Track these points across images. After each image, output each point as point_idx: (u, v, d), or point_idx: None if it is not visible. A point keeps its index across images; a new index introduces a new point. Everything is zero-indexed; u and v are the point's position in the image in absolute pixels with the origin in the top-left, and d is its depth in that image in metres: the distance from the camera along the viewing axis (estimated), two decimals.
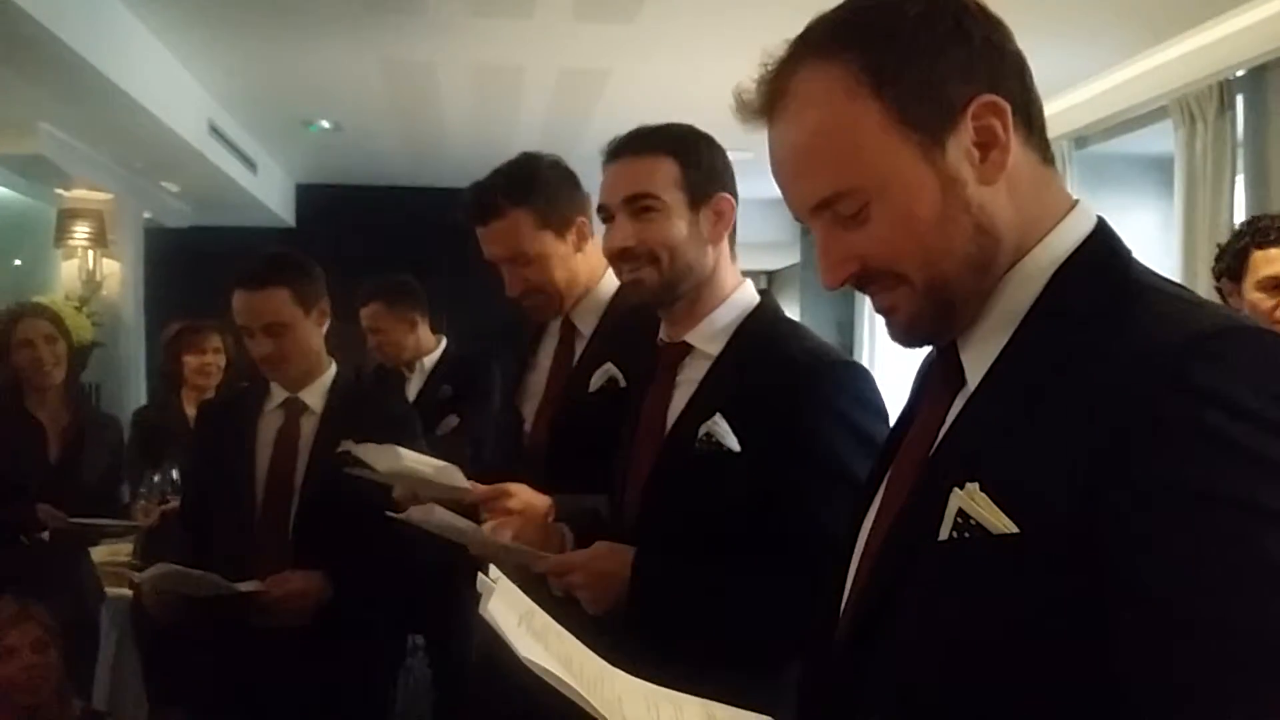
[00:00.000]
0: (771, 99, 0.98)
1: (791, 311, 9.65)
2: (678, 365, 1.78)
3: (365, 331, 4.25)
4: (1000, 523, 0.84)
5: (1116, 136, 5.23)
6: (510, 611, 1.00)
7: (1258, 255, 2.70)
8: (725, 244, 1.79)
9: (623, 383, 2.19)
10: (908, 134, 0.92)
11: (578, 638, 1.09)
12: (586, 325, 2.28)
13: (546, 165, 2.26)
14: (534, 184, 2.20)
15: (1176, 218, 4.57)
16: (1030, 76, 0.96)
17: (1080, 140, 5.37)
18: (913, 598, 0.92)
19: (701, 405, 1.70)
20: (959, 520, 0.87)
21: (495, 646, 0.94)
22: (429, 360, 4.22)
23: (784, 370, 1.65)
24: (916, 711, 0.92)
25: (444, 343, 4.28)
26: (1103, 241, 0.94)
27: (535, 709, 1.10)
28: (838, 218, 0.95)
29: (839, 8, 0.97)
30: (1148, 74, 4.77)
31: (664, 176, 1.74)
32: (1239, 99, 4.29)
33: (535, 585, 1.74)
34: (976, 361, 0.95)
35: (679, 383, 1.77)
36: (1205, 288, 4.28)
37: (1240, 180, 4.28)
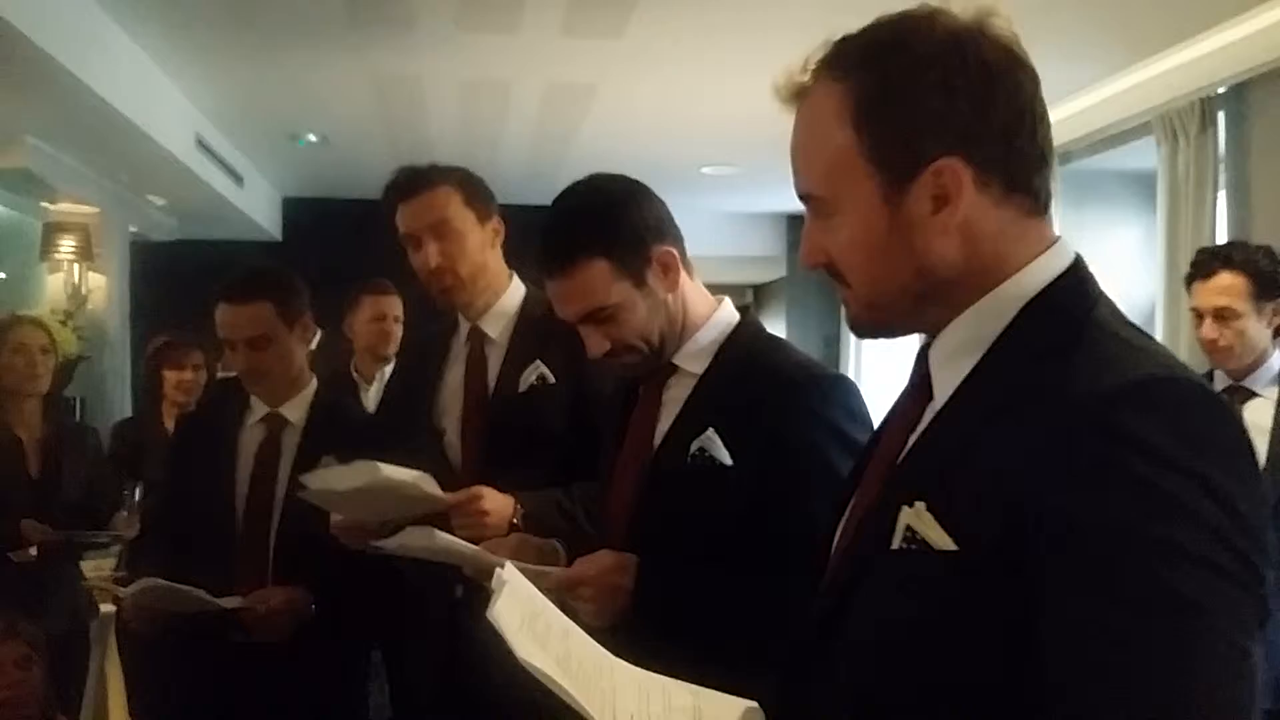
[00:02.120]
0: (795, 96, 1.06)
1: (778, 326, 9.65)
2: (663, 385, 1.78)
3: (374, 321, 4.33)
4: (941, 540, 0.92)
5: (1100, 152, 5.26)
6: (515, 613, 1.03)
7: (1195, 286, 2.93)
8: (684, 280, 1.76)
9: (552, 379, 2.23)
10: (874, 171, 0.98)
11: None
12: (496, 331, 2.35)
13: (468, 170, 2.39)
14: (459, 171, 2.33)
15: (1159, 233, 4.60)
16: (1027, 132, 0.99)
17: (1064, 156, 5.40)
18: (865, 602, 1.00)
19: (691, 421, 1.71)
20: (907, 533, 0.94)
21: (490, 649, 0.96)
22: (387, 370, 4.33)
23: (773, 385, 1.67)
24: (864, 712, 0.98)
25: (393, 361, 4.39)
26: (1073, 282, 0.99)
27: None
28: (816, 212, 1.05)
29: (868, 26, 1.02)
30: (1131, 90, 4.81)
31: (601, 282, 1.68)
32: (1221, 115, 4.33)
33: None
34: (945, 380, 1.01)
35: (665, 401, 1.77)
36: (1188, 302, 4.32)
37: (1222, 196, 4.31)
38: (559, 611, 1.14)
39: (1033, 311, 0.97)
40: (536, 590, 1.14)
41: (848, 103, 0.99)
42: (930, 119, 0.96)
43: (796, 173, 1.06)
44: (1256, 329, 2.83)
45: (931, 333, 1.05)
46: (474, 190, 2.33)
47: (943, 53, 0.97)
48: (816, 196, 1.03)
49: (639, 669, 1.10)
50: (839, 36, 1.03)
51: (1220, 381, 2.90)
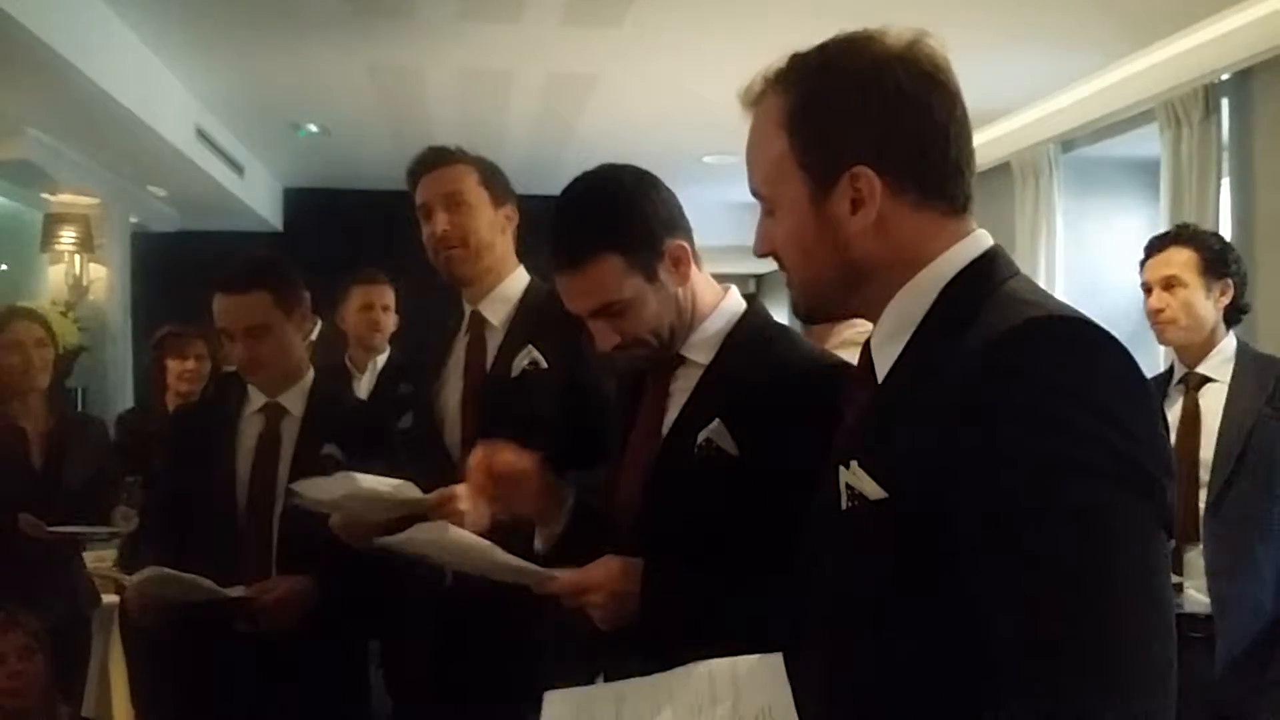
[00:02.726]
0: (752, 104, 1.21)
1: (780, 315, 9.69)
2: (670, 376, 1.78)
3: (363, 311, 4.34)
4: (874, 490, 1.04)
5: (1103, 140, 5.24)
6: None
7: (1146, 264, 2.95)
8: (693, 271, 1.75)
9: (544, 364, 2.23)
10: (802, 175, 1.13)
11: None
12: (497, 316, 2.37)
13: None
14: (486, 159, 2.41)
15: (1162, 221, 4.58)
16: (940, 147, 1.11)
17: (1067, 144, 5.38)
18: (827, 560, 1.13)
19: (698, 412, 1.70)
20: (849, 491, 1.07)
21: None
22: (380, 359, 4.39)
23: (780, 375, 1.66)
24: (834, 664, 1.11)
25: (388, 349, 4.45)
26: (986, 263, 1.12)
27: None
28: (764, 207, 1.20)
29: (817, 45, 1.16)
30: (1134, 78, 4.79)
31: (613, 277, 1.67)
32: (1224, 102, 4.31)
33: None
34: (882, 363, 1.14)
35: (672, 392, 1.76)
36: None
37: (1226, 183, 4.30)
38: (606, 694, 1.24)
39: (951, 291, 1.10)
40: (576, 698, 1.22)
41: (785, 113, 1.14)
42: (847, 132, 1.11)
43: (748, 170, 1.21)
44: (1204, 305, 2.82)
45: (864, 316, 1.19)
46: (492, 175, 2.41)
47: (863, 77, 1.11)
48: (759, 194, 1.19)
49: (692, 669, 1.23)
50: (792, 53, 1.17)
51: (1178, 372, 2.90)
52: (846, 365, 1.74)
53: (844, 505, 1.08)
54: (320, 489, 2.04)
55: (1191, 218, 4.32)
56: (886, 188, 1.10)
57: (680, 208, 1.77)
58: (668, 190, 1.76)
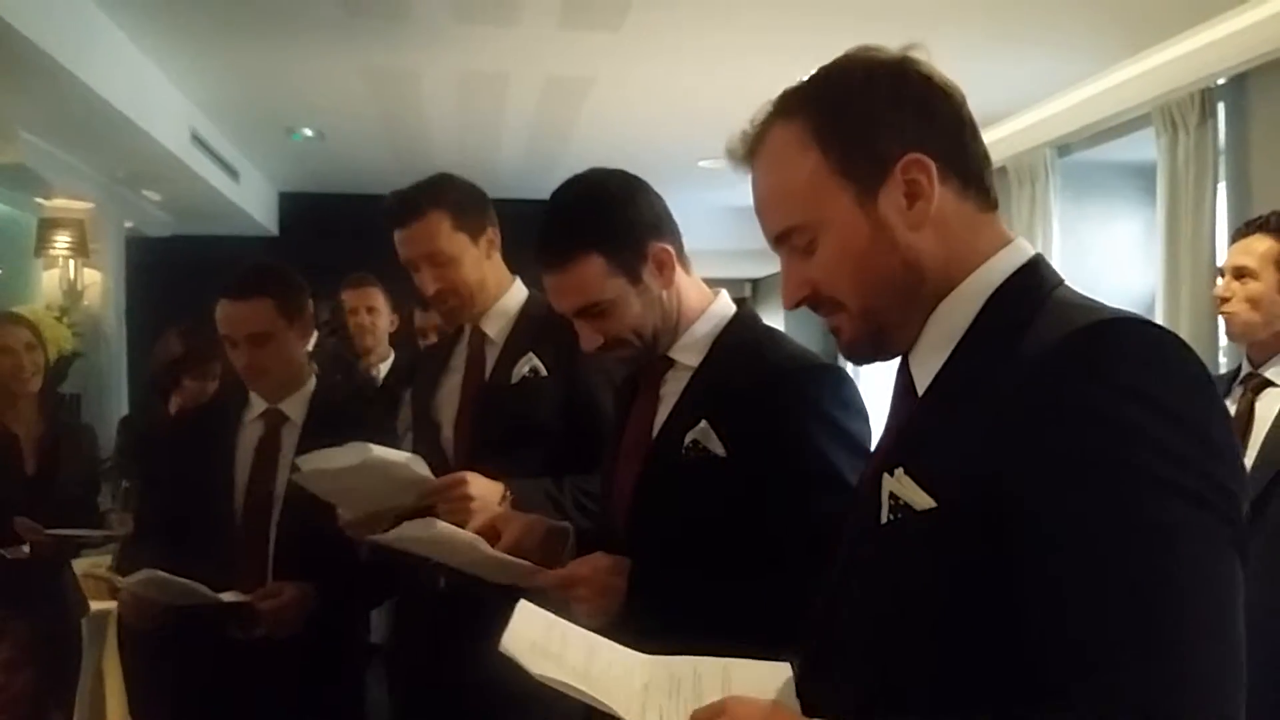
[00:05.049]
0: (751, 149, 1.17)
1: (776, 319, 9.65)
2: (661, 379, 1.80)
3: (350, 316, 4.36)
4: (921, 500, 0.99)
5: (1100, 144, 5.25)
6: (524, 639, 1.11)
7: (1230, 249, 2.81)
8: (680, 274, 1.78)
9: (544, 372, 2.25)
10: (846, 184, 1.08)
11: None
12: (496, 331, 2.37)
13: (460, 179, 2.38)
14: (450, 190, 2.33)
15: (1159, 225, 4.59)
16: (969, 136, 1.11)
17: (1063, 148, 5.39)
18: (862, 575, 1.09)
19: (686, 413, 1.72)
20: (892, 502, 1.03)
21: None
22: (384, 366, 4.40)
23: (767, 376, 1.68)
24: (871, 675, 1.05)
25: (392, 354, 4.47)
26: (1032, 272, 1.08)
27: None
28: (794, 249, 1.13)
29: (808, 78, 1.14)
30: (1130, 82, 4.79)
31: (595, 277, 1.71)
32: (1220, 107, 4.31)
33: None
34: (922, 375, 1.10)
35: (663, 395, 1.79)
36: (1188, 294, 4.31)
37: (1222, 188, 4.30)
38: (580, 630, 1.23)
39: (998, 298, 1.06)
40: (548, 615, 1.22)
41: (807, 131, 1.10)
42: (886, 125, 1.08)
43: (768, 216, 1.15)
44: (1274, 300, 2.65)
45: (907, 340, 1.12)
46: (464, 209, 2.33)
47: (884, 72, 1.10)
48: (794, 228, 1.12)
49: (674, 658, 1.20)
50: (779, 92, 1.15)
51: (1244, 371, 2.74)
52: (833, 366, 1.76)
53: (884, 518, 1.03)
54: (329, 459, 2.04)
55: (1188, 222, 4.33)
56: (937, 172, 1.07)
57: (668, 211, 1.80)
58: (655, 194, 1.79)
